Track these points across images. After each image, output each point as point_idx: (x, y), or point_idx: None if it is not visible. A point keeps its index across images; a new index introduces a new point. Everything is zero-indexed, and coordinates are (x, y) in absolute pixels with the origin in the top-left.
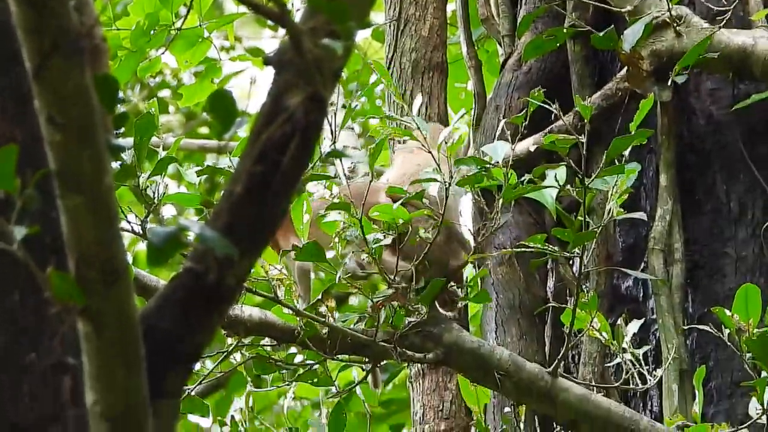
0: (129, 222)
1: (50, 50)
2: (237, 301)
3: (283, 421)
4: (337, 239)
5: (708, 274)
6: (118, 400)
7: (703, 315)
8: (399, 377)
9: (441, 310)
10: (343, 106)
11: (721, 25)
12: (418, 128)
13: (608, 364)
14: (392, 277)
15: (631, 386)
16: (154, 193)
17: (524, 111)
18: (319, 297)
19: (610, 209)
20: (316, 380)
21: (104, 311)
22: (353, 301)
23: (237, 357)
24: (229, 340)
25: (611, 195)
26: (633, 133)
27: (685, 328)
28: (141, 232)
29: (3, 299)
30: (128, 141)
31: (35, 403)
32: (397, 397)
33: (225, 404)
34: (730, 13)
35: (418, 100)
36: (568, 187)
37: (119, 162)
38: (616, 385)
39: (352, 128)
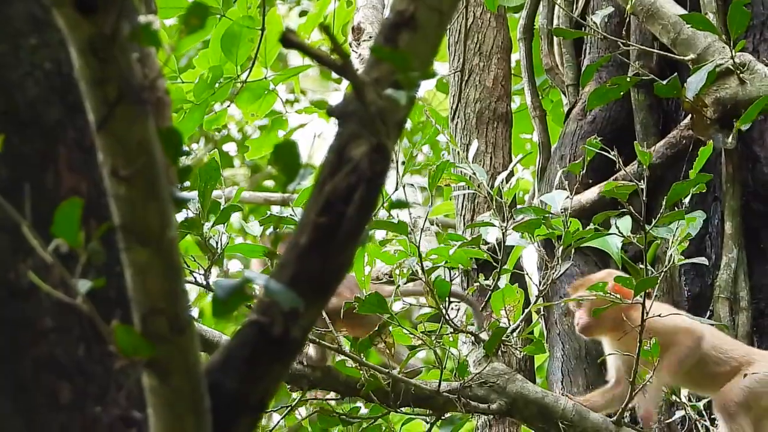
0: (193, 273)
1: (115, 102)
2: (301, 352)
3: None
4: (397, 270)
5: None
6: None
7: None
8: (465, 428)
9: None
10: (403, 163)
11: None
12: (475, 174)
13: (674, 417)
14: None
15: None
16: (217, 243)
17: (581, 159)
18: (376, 329)
19: (671, 256)
20: None
21: (170, 363)
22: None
23: (302, 411)
24: (294, 395)
25: (672, 242)
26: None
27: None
28: (205, 282)
29: (70, 352)
30: (192, 194)
31: None
32: None
33: None
34: None
35: (474, 145)
36: (630, 235)
37: (184, 214)
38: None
39: (413, 184)
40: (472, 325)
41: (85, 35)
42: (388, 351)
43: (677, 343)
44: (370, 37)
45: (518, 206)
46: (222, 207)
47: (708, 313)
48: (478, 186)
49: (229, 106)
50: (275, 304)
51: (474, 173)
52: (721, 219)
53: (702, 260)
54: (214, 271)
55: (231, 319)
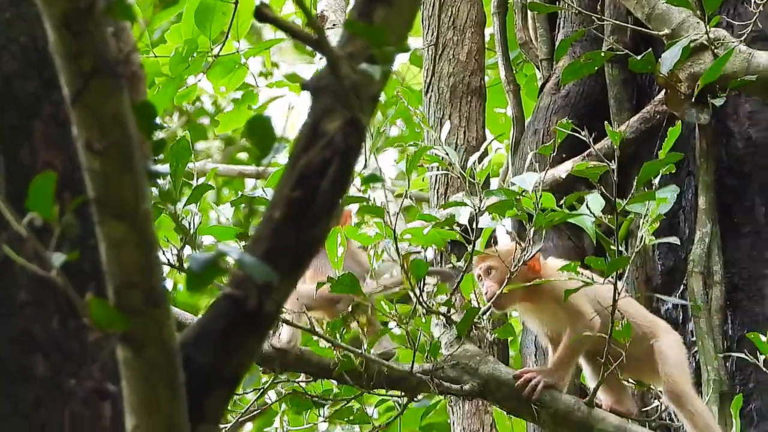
0: (165, 253)
1: (89, 76)
2: (274, 327)
3: None
4: (372, 252)
5: (747, 296)
6: (159, 424)
7: (742, 337)
8: (441, 403)
9: None
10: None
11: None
12: (447, 154)
13: (650, 407)
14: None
15: (669, 414)
16: (190, 223)
17: (552, 142)
18: (349, 310)
19: (641, 236)
20: (352, 418)
21: (145, 336)
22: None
23: (272, 395)
24: (264, 378)
25: (643, 222)
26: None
27: (722, 355)
28: (177, 262)
29: (45, 326)
30: (166, 167)
31: (76, 429)
32: (437, 422)
33: None
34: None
35: (447, 126)
36: (601, 215)
37: (156, 189)
38: (655, 417)
39: (380, 168)
40: (445, 305)
41: (60, 9)
42: (362, 331)
43: (577, 320)
44: (334, 25)
45: (492, 180)
46: (194, 185)
47: (681, 288)
48: (450, 165)
49: (200, 80)
50: (249, 278)
51: (446, 154)
52: (694, 194)
53: (674, 240)
54: (187, 251)
55: (205, 292)
